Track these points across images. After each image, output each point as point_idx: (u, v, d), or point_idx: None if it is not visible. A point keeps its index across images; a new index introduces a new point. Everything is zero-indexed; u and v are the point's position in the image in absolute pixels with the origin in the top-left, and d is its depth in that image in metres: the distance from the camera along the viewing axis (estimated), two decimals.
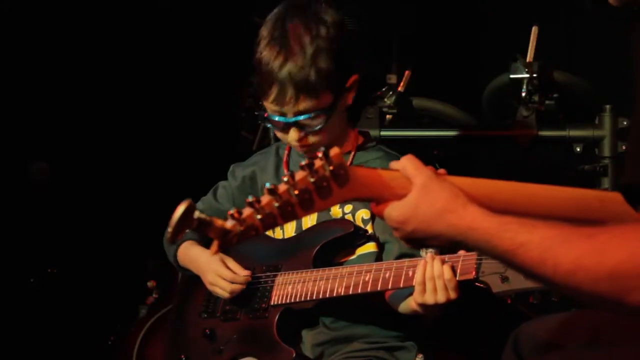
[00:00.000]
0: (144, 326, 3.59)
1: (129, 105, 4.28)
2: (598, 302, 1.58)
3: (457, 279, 2.30)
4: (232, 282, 2.64)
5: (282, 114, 2.54)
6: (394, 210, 1.74)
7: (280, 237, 2.69)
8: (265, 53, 2.54)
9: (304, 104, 2.52)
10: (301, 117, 2.53)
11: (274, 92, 2.53)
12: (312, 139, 2.57)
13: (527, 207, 1.78)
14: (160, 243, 2.88)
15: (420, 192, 1.72)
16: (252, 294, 2.66)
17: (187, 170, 4.20)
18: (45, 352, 4.08)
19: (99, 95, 4.24)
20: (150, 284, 3.84)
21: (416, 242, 1.77)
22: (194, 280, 2.75)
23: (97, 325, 4.02)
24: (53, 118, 4.14)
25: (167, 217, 2.84)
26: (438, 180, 1.73)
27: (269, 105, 2.56)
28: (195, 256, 2.72)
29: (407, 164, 1.75)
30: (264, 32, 2.58)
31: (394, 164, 1.78)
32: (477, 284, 2.29)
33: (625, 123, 3.04)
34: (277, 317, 2.60)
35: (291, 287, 2.58)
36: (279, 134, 2.63)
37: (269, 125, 2.64)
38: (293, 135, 2.56)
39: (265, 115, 2.59)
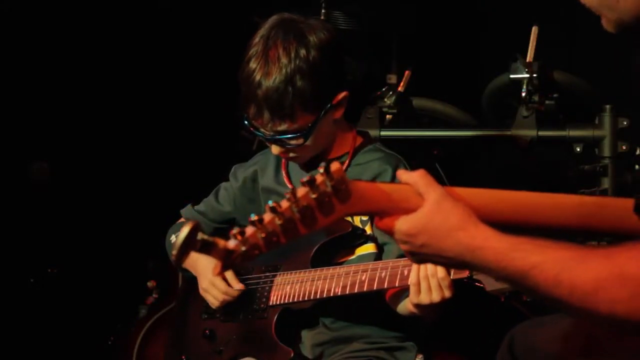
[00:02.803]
0: (144, 326, 3.58)
1: (129, 105, 4.28)
2: (615, 324, 1.56)
3: (451, 277, 2.31)
4: (225, 294, 2.65)
5: (260, 130, 2.55)
6: (404, 224, 1.74)
7: None
8: (247, 70, 2.53)
9: (280, 126, 2.51)
10: (278, 137, 2.53)
11: (251, 111, 2.53)
12: (293, 154, 2.59)
13: (527, 215, 1.78)
14: (160, 243, 2.88)
15: (433, 207, 1.72)
16: (252, 295, 2.66)
17: (187, 170, 4.21)
18: (45, 352, 4.08)
19: (100, 95, 4.23)
20: (150, 284, 3.84)
21: (424, 257, 1.76)
22: (195, 282, 2.76)
23: (97, 325, 4.02)
24: (53, 118, 4.14)
25: (167, 217, 2.85)
26: (450, 198, 1.73)
27: (250, 118, 2.56)
28: (195, 257, 2.71)
29: (419, 180, 1.75)
30: (251, 45, 2.56)
31: (403, 177, 1.78)
32: (471, 282, 2.29)
33: (625, 123, 3.03)
34: (275, 317, 2.60)
35: (289, 287, 2.59)
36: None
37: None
38: (274, 149, 2.58)
39: (251, 129, 2.58)
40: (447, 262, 1.73)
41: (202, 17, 4.38)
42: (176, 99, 4.33)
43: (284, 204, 1.67)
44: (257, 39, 2.56)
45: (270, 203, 1.66)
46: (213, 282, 2.67)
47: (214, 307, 2.70)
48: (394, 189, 1.75)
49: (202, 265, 2.71)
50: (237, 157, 2.93)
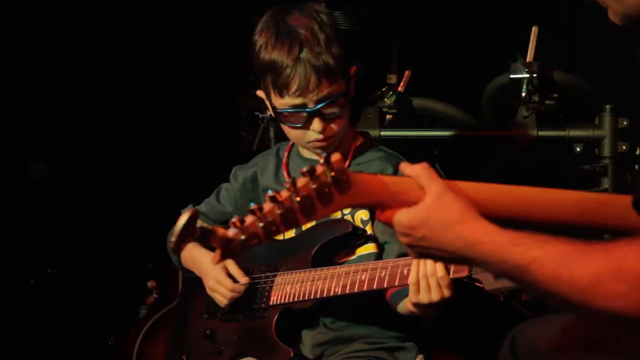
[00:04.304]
0: (144, 326, 3.59)
1: (129, 106, 4.28)
2: (614, 319, 1.56)
3: (451, 276, 2.31)
4: (232, 291, 2.65)
5: (303, 106, 2.54)
6: (404, 216, 1.74)
7: (281, 237, 2.69)
8: (277, 50, 2.53)
9: (326, 89, 2.52)
10: (324, 103, 2.53)
11: (295, 83, 2.52)
12: (334, 127, 2.56)
13: (527, 210, 1.78)
14: (161, 243, 2.88)
15: (434, 201, 1.72)
16: (252, 295, 2.66)
17: (187, 171, 4.21)
18: (45, 352, 4.08)
19: (100, 95, 4.24)
20: (150, 284, 3.84)
21: (422, 250, 1.76)
22: (197, 282, 2.76)
23: (97, 325, 4.02)
24: (53, 118, 4.14)
25: (167, 217, 2.86)
26: (451, 191, 1.73)
27: (288, 101, 2.54)
28: (197, 259, 2.72)
29: (422, 173, 1.75)
30: (266, 35, 2.57)
31: (405, 170, 1.78)
32: (470, 281, 2.29)
33: (625, 123, 3.03)
34: (275, 317, 2.60)
35: (290, 287, 2.59)
36: (295, 133, 2.60)
37: (289, 124, 2.59)
38: (317, 126, 2.55)
39: (284, 113, 2.57)
40: (447, 256, 1.73)
41: (202, 18, 4.38)
42: (176, 99, 4.33)
43: (284, 193, 1.67)
44: (270, 25, 2.58)
45: (270, 192, 1.66)
46: (219, 280, 2.66)
47: (222, 305, 2.68)
48: (395, 182, 1.76)
49: (205, 266, 2.70)
50: (237, 158, 2.93)
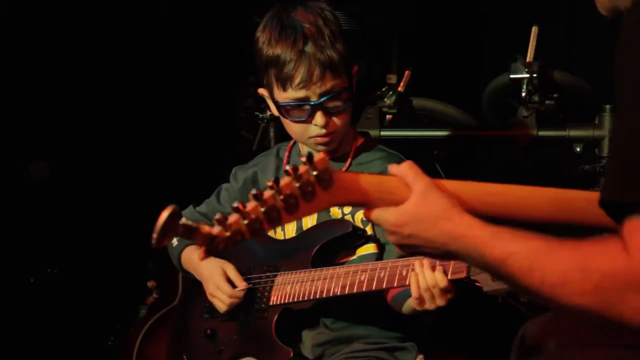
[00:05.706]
0: (144, 326, 3.59)
1: (129, 106, 4.28)
2: (583, 315, 1.58)
3: (449, 277, 2.31)
4: (231, 297, 2.65)
5: (306, 99, 2.54)
6: (391, 215, 1.76)
7: (282, 237, 2.69)
8: (281, 44, 2.54)
9: (329, 83, 2.53)
10: (327, 97, 2.53)
11: (299, 76, 2.53)
12: (337, 122, 2.57)
13: (516, 208, 1.79)
14: None
15: (419, 198, 1.74)
16: (253, 295, 2.66)
17: (187, 170, 4.21)
18: (45, 352, 4.08)
19: (99, 95, 4.24)
20: (150, 284, 3.84)
21: (410, 248, 1.78)
22: (197, 282, 2.76)
23: (97, 325, 4.02)
24: (53, 118, 4.14)
25: None
26: (436, 188, 1.75)
27: (292, 94, 2.55)
28: (197, 262, 2.72)
29: (407, 171, 1.77)
30: (270, 30, 2.58)
31: (392, 169, 1.79)
32: (469, 282, 2.30)
33: None
34: (275, 317, 2.60)
35: (290, 287, 2.59)
36: (297, 128, 2.60)
37: (291, 118, 2.59)
38: (319, 120, 2.55)
39: (286, 107, 2.57)
40: (434, 251, 1.76)
41: (202, 18, 4.39)
42: (176, 99, 4.33)
43: (267, 192, 1.68)
44: (274, 22, 2.58)
45: (253, 191, 1.67)
46: (218, 286, 2.66)
47: (222, 311, 2.69)
48: (380, 181, 1.78)
49: (205, 271, 2.70)
50: (237, 158, 2.93)
